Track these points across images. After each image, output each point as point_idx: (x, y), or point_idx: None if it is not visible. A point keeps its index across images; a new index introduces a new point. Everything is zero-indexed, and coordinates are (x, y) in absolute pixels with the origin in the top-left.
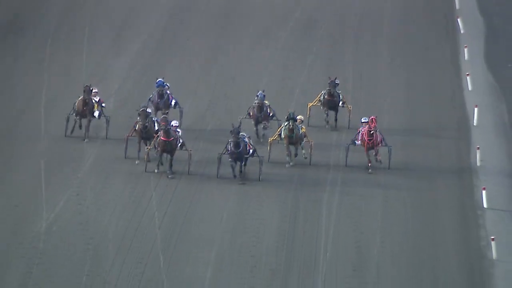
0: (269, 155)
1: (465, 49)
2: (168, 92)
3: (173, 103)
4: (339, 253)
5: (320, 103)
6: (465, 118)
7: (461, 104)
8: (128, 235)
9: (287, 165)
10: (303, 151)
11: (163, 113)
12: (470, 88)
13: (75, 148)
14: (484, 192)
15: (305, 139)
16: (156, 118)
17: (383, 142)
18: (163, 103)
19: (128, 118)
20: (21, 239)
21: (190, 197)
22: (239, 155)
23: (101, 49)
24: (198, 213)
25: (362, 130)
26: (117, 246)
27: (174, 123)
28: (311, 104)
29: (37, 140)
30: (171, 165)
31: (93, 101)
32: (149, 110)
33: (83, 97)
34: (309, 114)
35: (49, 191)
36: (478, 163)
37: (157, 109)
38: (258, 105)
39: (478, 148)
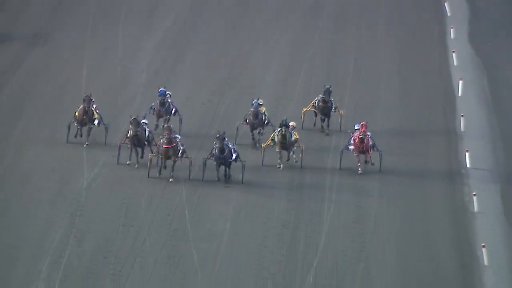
0: (262, 160)
1: (451, 30)
2: (169, 100)
3: (173, 111)
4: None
5: (314, 108)
6: (451, 89)
7: (447, 78)
8: (158, 193)
9: (277, 166)
10: (294, 156)
11: (165, 120)
12: (455, 63)
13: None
14: (467, 154)
15: (296, 145)
16: (147, 127)
17: (374, 147)
18: (164, 110)
19: (155, 92)
20: (66, 194)
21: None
22: (224, 160)
23: (134, 28)
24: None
25: (355, 135)
26: (148, 202)
27: (177, 135)
28: (305, 109)
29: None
30: (173, 170)
31: (92, 109)
32: (145, 121)
33: (83, 106)
34: (303, 118)
35: (90, 154)
36: (462, 129)
37: (159, 116)
38: (254, 113)
39: (463, 115)
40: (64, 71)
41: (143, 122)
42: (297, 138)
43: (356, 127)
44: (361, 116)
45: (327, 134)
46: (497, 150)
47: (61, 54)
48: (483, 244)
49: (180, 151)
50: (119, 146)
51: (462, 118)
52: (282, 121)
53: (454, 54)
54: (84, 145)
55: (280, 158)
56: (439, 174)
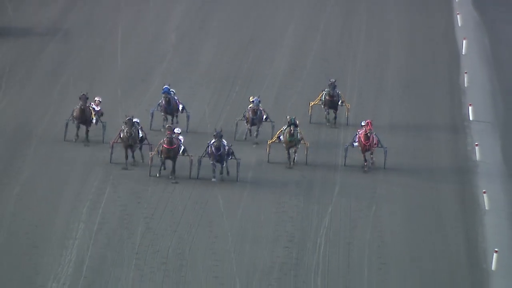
0: (268, 157)
1: None
2: (175, 98)
3: (180, 107)
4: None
5: (321, 102)
6: (456, 49)
7: (452, 37)
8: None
9: (287, 166)
10: (295, 154)
11: (173, 118)
12: (460, 24)
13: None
14: (470, 107)
15: (301, 141)
16: (140, 126)
17: (379, 144)
18: (171, 108)
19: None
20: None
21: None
22: (220, 157)
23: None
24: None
25: (360, 132)
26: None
27: (176, 130)
28: (312, 103)
29: (114, 69)
30: (173, 170)
31: (90, 108)
32: (136, 119)
33: (80, 105)
34: (311, 112)
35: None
36: (466, 84)
37: (166, 113)
38: (253, 110)
39: (466, 72)
40: (102, 31)
41: (135, 122)
42: (301, 135)
43: (362, 124)
44: (373, 73)
45: (334, 127)
46: (497, 104)
47: (98, 16)
48: (484, 190)
49: (181, 151)
50: (112, 146)
51: (465, 75)
52: (291, 119)
53: (458, 16)
54: (85, 145)
55: (289, 157)
56: (443, 125)
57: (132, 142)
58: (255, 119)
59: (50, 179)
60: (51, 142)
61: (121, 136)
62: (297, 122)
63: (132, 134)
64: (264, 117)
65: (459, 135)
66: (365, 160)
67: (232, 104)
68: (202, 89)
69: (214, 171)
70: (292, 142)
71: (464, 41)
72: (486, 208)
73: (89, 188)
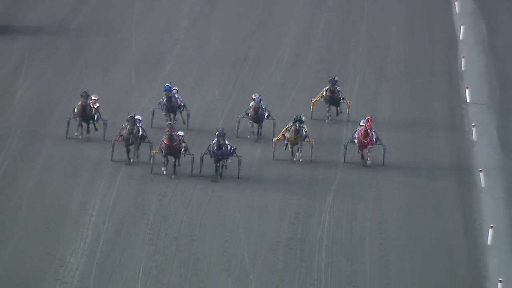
0: (273, 154)
1: None
2: (176, 95)
3: (181, 105)
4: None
5: (322, 99)
6: (453, 35)
7: (450, 23)
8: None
9: (295, 159)
10: (300, 154)
11: (175, 115)
12: (457, 11)
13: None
14: (467, 90)
15: (306, 139)
16: (140, 125)
17: (378, 141)
18: (171, 106)
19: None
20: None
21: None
22: (222, 156)
23: None
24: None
25: (359, 129)
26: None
27: (180, 133)
28: (314, 100)
29: (129, 52)
30: (174, 167)
31: (91, 105)
32: (138, 117)
33: (82, 102)
34: (312, 108)
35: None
36: (463, 68)
37: (167, 111)
38: (255, 108)
39: (463, 57)
40: (118, 17)
41: (137, 119)
42: (307, 133)
43: (361, 123)
44: (374, 57)
45: (336, 122)
46: (493, 87)
47: (114, 3)
48: (480, 169)
49: (182, 149)
50: (113, 144)
51: (463, 59)
52: (297, 116)
53: (456, 3)
54: (80, 136)
55: (293, 154)
56: (442, 107)
57: (133, 140)
58: (257, 117)
59: (68, 159)
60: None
61: (122, 133)
62: (303, 119)
63: (133, 132)
64: (266, 114)
65: (457, 116)
66: (362, 157)
67: (241, 86)
68: (212, 71)
69: (216, 169)
70: (297, 139)
71: (461, 27)
72: (482, 186)
73: (105, 167)
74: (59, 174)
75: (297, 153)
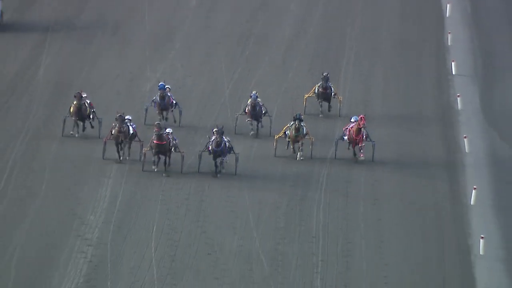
0: (275, 151)
1: None
2: (169, 94)
3: (173, 104)
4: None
5: (315, 94)
6: (440, 12)
7: (438, 3)
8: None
9: (297, 158)
10: (301, 153)
11: (167, 113)
12: None
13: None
14: (453, 63)
15: (306, 137)
16: (132, 124)
17: (368, 138)
18: (165, 104)
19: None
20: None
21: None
22: (221, 152)
23: None
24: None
25: (350, 127)
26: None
27: (168, 130)
28: (307, 95)
29: (143, 30)
30: (165, 164)
31: (86, 105)
32: (128, 117)
33: (76, 102)
34: (305, 104)
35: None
36: (449, 43)
37: (160, 109)
38: (252, 104)
39: (450, 32)
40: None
41: (127, 119)
42: (307, 130)
43: (352, 120)
44: (369, 35)
45: (328, 117)
46: (477, 60)
47: None
48: (465, 135)
49: (173, 148)
50: (105, 142)
51: (449, 35)
52: (296, 115)
53: None
54: (76, 135)
55: (294, 151)
56: (430, 79)
57: (123, 138)
58: (255, 113)
59: (87, 131)
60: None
61: (112, 132)
62: (302, 117)
63: (123, 130)
64: (263, 111)
65: (443, 87)
66: (354, 154)
67: (245, 61)
68: (219, 47)
69: (215, 165)
70: (298, 136)
71: (448, 5)
72: (467, 151)
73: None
74: (80, 142)
75: (299, 152)
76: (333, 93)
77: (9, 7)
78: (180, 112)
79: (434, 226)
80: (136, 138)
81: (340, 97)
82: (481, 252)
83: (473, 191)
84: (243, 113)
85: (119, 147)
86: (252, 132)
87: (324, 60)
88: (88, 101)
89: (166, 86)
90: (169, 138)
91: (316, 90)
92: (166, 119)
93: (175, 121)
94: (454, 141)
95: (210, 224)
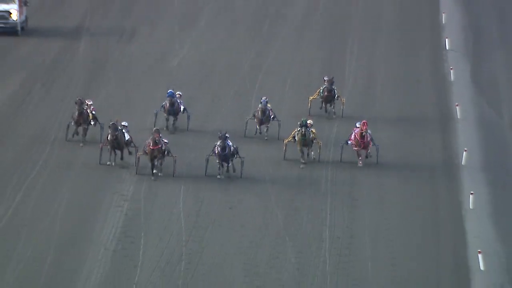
0: (284, 154)
1: None
2: (178, 100)
3: (182, 109)
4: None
5: (319, 97)
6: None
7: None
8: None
9: (301, 166)
10: (312, 153)
11: (175, 118)
12: None
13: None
14: (447, 40)
15: (314, 141)
16: (127, 129)
17: (372, 142)
18: (173, 110)
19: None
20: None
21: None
22: (225, 157)
23: None
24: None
25: (355, 132)
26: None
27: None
28: (312, 97)
29: (172, 10)
30: (160, 169)
31: (87, 111)
32: (124, 123)
33: (77, 109)
34: (310, 105)
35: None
36: (444, 21)
37: (169, 114)
38: (262, 110)
39: (444, 12)
40: None
41: (123, 125)
42: (314, 135)
43: (357, 125)
44: (371, 14)
45: (332, 118)
46: (468, 37)
47: None
48: (456, 103)
49: (166, 152)
50: (101, 148)
51: (443, 14)
52: (302, 121)
53: None
54: (80, 145)
55: (302, 156)
56: (425, 53)
57: (117, 145)
58: (264, 118)
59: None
60: (123, 72)
61: (108, 139)
62: (308, 122)
63: (117, 137)
64: (272, 116)
65: (438, 61)
66: (359, 156)
67: (262, 38)
68: (238, 26)
69: (219, 169)
70: (305, 141)
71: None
72: (458, 117)
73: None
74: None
75: (312, 154)
76: (336, 95)
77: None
78: (188, 117)
79: (429, 186)
80: (132, 144)
81: (343, 99)
82: (470, 206)
83: (464, 152)
84: (252, 117)
85: (111, 152)
86: (258, 134)
87: (333, 35)
88: (92, 107)
89: (177, 93)
90: (161, 142)
91: (321, 93)
92: (174, 123)
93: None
94: (447, 108)
95: (230, 184)
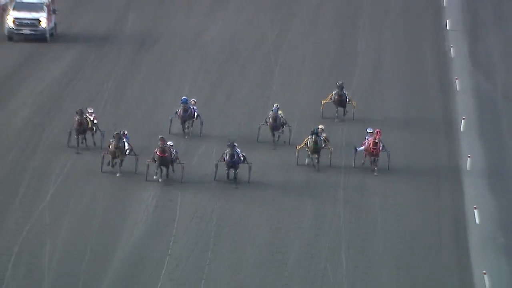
0: (297, 160)
1: None
2: (191, 106)
3: (195, 115)
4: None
5: (331, 101)
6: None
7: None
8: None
9: (315, 167)
10: (318, 159)
11: (189, 123)
12: None
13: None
14: (448, 21)
15: (325, 147)
16: (127, 138)
17: (383, 148)
18: (187, 116)
19: None
20: None
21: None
22: (233, 163)
23: None
24: None
25: (368, 140)
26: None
27: (169, 143)
28: (324, 101)
29: None
30: (167, 175)
31: (88, 119)
32: (125, 131)
33: (78, 118)
34: (322, 109)
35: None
36: (445, 5)
37: (183, 120)
38: (273, 117)
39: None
40: None
41: (123, 133)
42: (326, 142)
43: (368, 131)
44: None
45: (343, 120)
46: (466, 18)
47: None
48: (456, 77)
49: (174, 158)
50: (103, 156)
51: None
52: (314, 129)
53: None
54: (77, 152)
55: (312, 160)
56: (427, 33)
57: (119, 154)
58: (276, 125)
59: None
60: (165, 43)
61: (110, 148)
62: (320, 128)
63: (119, 147)
64: (283, 122)
65: (440, 40)
66: (371, 163)
67: (285, 19)
68: (262, 9)
69: (228, 175)
70: (316, 148)
71: None
72: (458, 89)
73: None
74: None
75: (318, 160)
76: (348, 99)
77: None
78: (201, 123)
79: (430, 147)
80: (132, 152)
81: (354, 103)
82: (468, 168)
83: (462, 120)
84: (264, 123)
85: (114, 161)
86: (276, 143)
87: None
88: (93, 115)
89: (192, 100)
90: (171, 151)
91: (333, 97)
92: (188, 129)
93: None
94: (447, 81)
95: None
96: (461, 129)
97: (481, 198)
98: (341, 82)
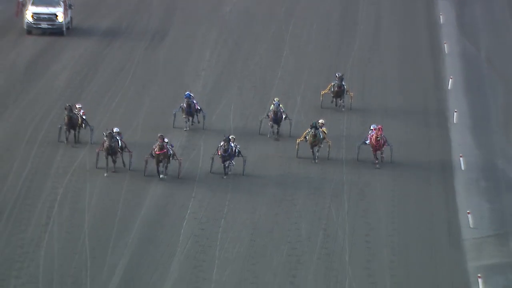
0: (297, 153)
1: None
2: (194, 101)
3: (198, 109)
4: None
5: (330, 92)
6: None
7: None
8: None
9: (313, 161)
10: (317, 153)
11: (193, 118)
12: None
13: None
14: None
15: (324, 141)
16: (121, 137)
17: (386, 143)
18: (190, 111)
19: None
20: None
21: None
22: (228, 157)
23: None
24: None
25: (371, 134)
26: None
27: (165, 140)
28: (323, 92)
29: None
30: (165, 170)
31: (77, 115)
32: (117, 129)
33: (67, 114)
34: (322, 99)
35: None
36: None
37: (187, 115)
38: (274, 111)
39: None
40: None
41: (116, 132)
42: (325, 135)
43: (372, 127)
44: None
45: (342, 111)
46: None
47: None
48: (445, 41)
49: (171, 155)
50: (97, 153)
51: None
52: (313, 123)
53: None
54: (71, 146)
55: (313, 154)
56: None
57: (112, 152)
58: (276, 119)
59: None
60: (181, 19)
61: (104, 146)
62: (320, 121)
63: (112, 145)
64: (284, 116)
65: (430, 8)
66: (376, 158)
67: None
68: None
69: (224, 168)
70: (315, 141)
71: None
72: (446, 52)
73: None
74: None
75: (317, 153)
76: (346, 90)
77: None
78: (204, 117)
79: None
80: (126, 149)
81: (351, 93)
82: (454, 121)
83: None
84: (266, 117)
85: (108, 159)
86: (270, 136)
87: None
88: (82, 112)
89: (191, 95)
90: (167, 147)
91: (332, 88)
92: (192, 123)
93: (198, 122)
94: (437, 44)
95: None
96: (449, 87)
97: (465, 146)
98: (340, 74)
